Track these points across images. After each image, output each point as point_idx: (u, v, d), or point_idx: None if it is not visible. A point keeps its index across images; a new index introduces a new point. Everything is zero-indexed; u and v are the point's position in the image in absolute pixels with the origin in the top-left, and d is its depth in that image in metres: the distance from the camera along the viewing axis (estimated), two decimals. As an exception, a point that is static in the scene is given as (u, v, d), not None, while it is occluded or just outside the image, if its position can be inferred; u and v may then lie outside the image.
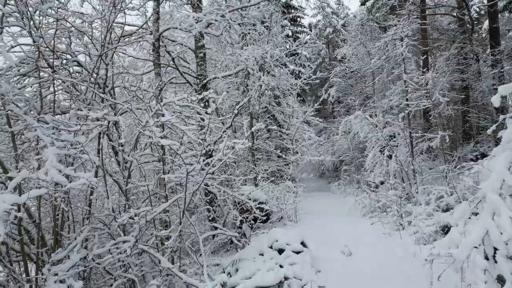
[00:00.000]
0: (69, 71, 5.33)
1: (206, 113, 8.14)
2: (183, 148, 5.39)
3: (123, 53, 7.44)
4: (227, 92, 12.70)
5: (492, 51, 10.77)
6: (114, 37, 6.15)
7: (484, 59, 12.52)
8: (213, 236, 8.12)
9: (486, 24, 18.26)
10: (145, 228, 4.14)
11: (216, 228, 8.11)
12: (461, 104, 12.65)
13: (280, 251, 5.40)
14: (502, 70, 10.67)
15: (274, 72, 14.83)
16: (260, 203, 8.44)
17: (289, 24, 23.53)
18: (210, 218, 7.88)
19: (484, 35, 14.90)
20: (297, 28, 24.81)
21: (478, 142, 11.75)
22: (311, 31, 27.05)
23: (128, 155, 4.79)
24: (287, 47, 22.03)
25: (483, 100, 11.30)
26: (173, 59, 7.80)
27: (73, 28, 5.23)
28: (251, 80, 8.82)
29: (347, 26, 24.94)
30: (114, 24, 6.24)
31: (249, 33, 8.15)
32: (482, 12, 16.42)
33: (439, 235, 6.61)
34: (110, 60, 5.73)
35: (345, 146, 17.00)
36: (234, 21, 6.22)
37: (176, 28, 5.86)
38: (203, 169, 4.41)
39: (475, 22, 13.81)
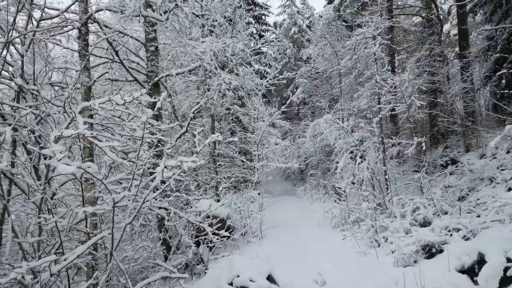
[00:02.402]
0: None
1: (157, 118, 7.00)
2: (125, 167, 4.23)
3: (55, 43, 6.13)
4: (187, 92, 11.57)
5: (461, 53, 10.42)
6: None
7: (451, 62, 12.31)
8: (165, 258, 7.02)
9: (447, 27, 18.39)
10: (52, 283, 2.99)
11: (169, 248, 7.01)
12: (429, 107, 12.32)
13: (243, 289, 4.42)
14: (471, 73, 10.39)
15: (238, 71, 13.85)
16: (220, 220, 7.43)
17: (253, 21, 22.64)
18: (161, 239, 6.76)
19: (450, 37, 14.79)
20: (262, 27, 23.94)
21: (447, 147, 11.44)
22: (276, 30, 26.33)
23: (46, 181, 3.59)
24: (252, 45, 21.10)
25: (453, 104, 10.96)
26: (116, 52, 6.57)
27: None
28: (213, 79, 7.78)
29: (313, 26, 24.47)
30: (33, 6, 4.96)
31: (207, 24, 7.09)
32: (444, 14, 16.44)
33: (420, 255, 5.93)
34: (27, 50, 4.47)
35: (312, 149, 16.36)
36: (183, 2, 5.16)
37: (102, 10, 4.68)
38: (139, 195, 3.33)
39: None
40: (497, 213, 6.26)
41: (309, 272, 5.66)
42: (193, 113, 5.29)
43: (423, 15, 12.62)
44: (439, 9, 13.07)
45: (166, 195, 6.11)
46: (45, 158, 4.01)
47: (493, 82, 12.46)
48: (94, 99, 4.12)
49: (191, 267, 6.47)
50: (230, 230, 7.92)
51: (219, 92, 6.22)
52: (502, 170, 8.00)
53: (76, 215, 3.69)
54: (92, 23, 6.12)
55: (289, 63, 26.66)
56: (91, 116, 4.14)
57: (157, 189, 3.64)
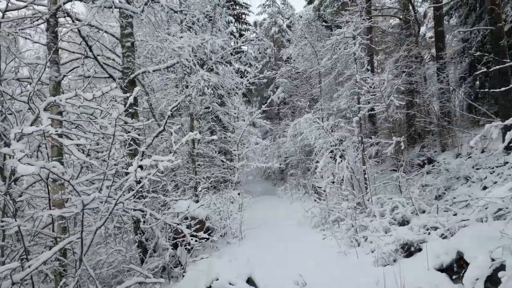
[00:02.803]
0: None
1: (133, 116, 6.76)
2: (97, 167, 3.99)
3: (24, 37, 5.79)
4: (165, 90, 11.30)
5: (438, 54, 10.63)
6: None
7: (427, 63, 12.55)
8: (142, 261, 6.77)
9: (422, 29, 18.80)
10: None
11: (145, 251, 6.77)
12: (407, 108, 12.52)
13: (222, 292, 4.28)
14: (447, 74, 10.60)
15: (218, 69, 13.66)
16: (199, 222, 7.25)
17: (233, 20, 22.47)
18: (137, 242, 6.52)
19: (426, 39, 15.09)
20: (242, 26, 23.82)
21: (424, 147, 11.65)
22: (256, 29, 26.25)
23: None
24: (232, 44, 20.92)
25: (430, 104, 11.16)
26: (90, 47, 6.27)
27: None
28: (192, 77, 7.58)
29: (293, 26, 24.54)
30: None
31: (185, 20, 6.87)
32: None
33: (400, 254, 5.95)
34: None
35: (292, 149, 16.37)
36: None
37: (72, 0, 4.43)
38: (112, 197, 3.13)
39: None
40: (474, 212, 6.38)
41: (289, 273, 5.57)
42: (171, 111, 5.09)
43: (401, 16, 12.81)
44: (416, 11, 13.30)
45: (142, 196, 5.90)
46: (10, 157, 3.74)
47: (467, 84, 12.81)
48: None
49: (168, 270, 6.26)
50: (209, 231, 7.76)
51: (198, 90, 6.04)
52: (477, 169, 8.18)
53: (43, 219, 3.44)
54: (64, 17, 5.83)
55: (270, 62, 26.66)
56: (60, 113, 3.90)
57: (133, 190, 3.44)
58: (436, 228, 6.25)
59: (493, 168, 7.75)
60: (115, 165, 3.87)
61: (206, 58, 11.17)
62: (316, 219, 9.17)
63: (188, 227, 6.50)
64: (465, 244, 4.47)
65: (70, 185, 2.76)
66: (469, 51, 12.68)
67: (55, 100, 2.78)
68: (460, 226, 5.92)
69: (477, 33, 12.22)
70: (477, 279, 2.83)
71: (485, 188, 7.33)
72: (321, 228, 8.54)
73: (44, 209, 3.59)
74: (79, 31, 6.22)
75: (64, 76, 3.97)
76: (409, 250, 6.03)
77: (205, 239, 7.72)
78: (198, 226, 7.05)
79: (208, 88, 6.75)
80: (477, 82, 12.62)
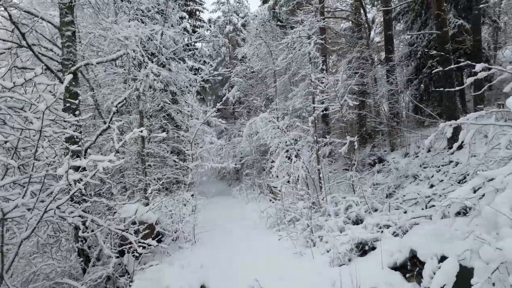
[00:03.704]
0: None
1: (74, 112, 6.14)
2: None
3: None
4: (112, 85, 10.58)
5: (388, 56, 11.00)
6: None
7: (376, 66, 12.99)
8: (84, 270, 6.19)
9: (371, 34, 19.54)
10: None
11: (88, 259, 6.20)
12: (358, 109, 12.87)
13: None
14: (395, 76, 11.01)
15: (171, 66, 13.11)
16: (148, 226, 6.80)
17: (187, 16, 21.85)
18: (78, 250, 5.94)
19: (374, 44, 15.64)
20: (196, 22, 23.24)
21: (374, 146, 12.02)
22: (211, 27, 25.79)
23: None
24: (186, 40, 20.34)
25: (380, 105, 11.53)
26: (23, 34, 5.60)
27: None
28: (141, 71, 7.06)
29: (248, 26, 24.41)
30: None
31: (133, 9, 6.38)
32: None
33: (355, 253, 5.97)
34: None
35: (247, 148, 16.22)
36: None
37: None
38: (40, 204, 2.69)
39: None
40: (438, 212, 6.59)
41: (245, 278, 5.34)
42: (116, 106, 4.65)
43: (353, 19, 13.14)
44: (367, 14, 13.72)
45: (84, 200, 5.35)
46: None
47: (413, 86, 13.44)
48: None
49: (114, 280, 5.77)
50: (160, 236, 7.31)
51: (147, 84, 5.59)
52: (424, 168, 8.52)
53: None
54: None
55: (224, 61, 26.38)
56: (-20, 106, 3.33)
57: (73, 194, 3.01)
58: (388, 226, 6.36)
59: (439, 167, 8.12)
60: (48, 165, 3.39)
61: (157, 52, 10.64)
62: (271, 219, 9.05)
63: (136, 232, 6.05)
64: (417, 242, 4.53)
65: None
66: (415, 56, 13.33)
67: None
68: (411, 224, 6.08)
69: (423, 38, 12.87)
70: (444, 285, 2.79)
71: (432, 186, 7.64)
72: (277, 228, 8.42)
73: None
74: (10, 16, 5.56)
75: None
76: (363, 249, 6.07)
77: (155, 245, 7.28)
78: (147, 231, 6.61)
79: (158, 83, 6.30)
80: (422, 85, 13.28)
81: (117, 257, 5.90)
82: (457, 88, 4.31)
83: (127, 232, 5.67)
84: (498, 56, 14.85)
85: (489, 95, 12.00)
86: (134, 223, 6.27)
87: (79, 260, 6.17)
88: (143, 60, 5.14)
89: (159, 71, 5.47)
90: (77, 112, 6.13)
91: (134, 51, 5.08)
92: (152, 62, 10.63)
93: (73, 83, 6.18)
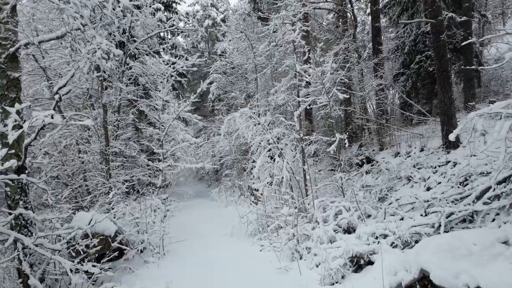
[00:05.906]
0: None
1: (12, 102, 5.04)
2: None
3: None
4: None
5: (377, 48, 10.28)
6: None
7: (363, 60, 12.30)
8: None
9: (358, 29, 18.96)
10: None
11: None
12: (345, 105, 12.13)
13: None
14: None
15: (145, 60, 11.99)
16: (104, 240, 5.75)
17: (163, 8, 20.62)
18: (19, 270, 4.89)
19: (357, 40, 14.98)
20: (172, 15, 22.01)
21: (362, 145, 11.28)
22: (189, 20, 24.64)
23: None
24: (161, 34, 19.11)
25: (368, 101, 10.80)
26: None
27: None
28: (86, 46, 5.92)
29: (227, 20, 23.42)
30: None
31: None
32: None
33: (348, 269, 5.12)
34: None
35: (227, 147, 15.24)
36: None
37: None
38: None
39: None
40: (422, 215, 5.83)
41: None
42: (57, 93, 3.62)
43: (338, 10, 12.39)
44: (353, 5, 13.01)
45: (9, 213, 4.27)
46: None
47: (400, 83, 12.82)
48: None
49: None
50: (122, 249, 6.24)
51: (93, 63, 4.54)
52: (418, 168, 7.80)
53: None
54: None
55: (203, 56, 25.27)
56: None
57: None
58: (385, 236, 5.55)
59: (435, 167, 7.40)
60: None
61: (126, 40, 9.53)
62: (252, 226, 8.13)
63: (87, 247, 5.00)
64: (429, 261, 3.71)
65: None
66: (403, 51, 12.72)
67: None
68: (412, 233, 5.29)
69: (410, 32, 12.26)
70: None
71: (429, 189, 6.90)
72: (258, 237, 7.52)
73: None
74: None
75: None
76: (358, 263, 5.22)
77: (117, 256, 6.24)
78: (102, 245, 5.56)
79: (107, 61, 5.25)
80: (410, 81, 12.68)
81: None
82: (479, 67, 3.51)
83: (72, 249, 4.67)
84: (483, 54, 14.45)
85: (478, 92, 11.48)
86: (86, 235, 5.23)
87: (18, 281, 5.11)
88: (83, 27, 4.11)
89: (109, 48, 4.43)
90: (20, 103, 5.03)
91: (75, 19, 4.03)
92: (125, 54, 9.51)
93: (11, 67, 5.08)
